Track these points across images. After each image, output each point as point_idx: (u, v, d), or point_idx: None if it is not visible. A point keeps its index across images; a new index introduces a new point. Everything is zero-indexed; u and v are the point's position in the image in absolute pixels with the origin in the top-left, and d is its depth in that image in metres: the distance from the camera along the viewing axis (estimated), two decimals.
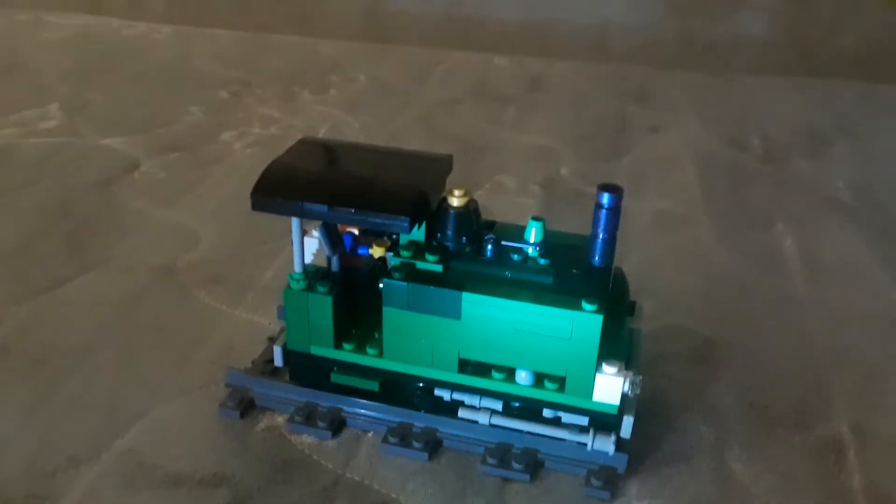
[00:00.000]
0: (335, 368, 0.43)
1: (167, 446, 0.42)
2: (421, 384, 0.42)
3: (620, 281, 0.41)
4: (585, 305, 0.37)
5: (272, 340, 0.46)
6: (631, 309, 0.42)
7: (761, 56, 1.19)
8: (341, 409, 0.44)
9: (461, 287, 0.39)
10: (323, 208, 0.38)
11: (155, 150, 0.77)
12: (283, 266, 0.58)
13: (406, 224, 0.37)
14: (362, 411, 0.43)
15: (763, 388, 0.47)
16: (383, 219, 0.37)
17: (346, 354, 0.42)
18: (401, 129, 0.85)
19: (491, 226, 0.43)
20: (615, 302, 0.40)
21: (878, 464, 0.42)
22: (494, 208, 0.69)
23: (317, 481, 0.40)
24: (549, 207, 0.69)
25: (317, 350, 0.42)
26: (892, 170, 0.80)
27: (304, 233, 0.42)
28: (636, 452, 0.41)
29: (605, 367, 0.39)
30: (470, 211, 0.41)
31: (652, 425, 0.44)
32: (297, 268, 0.41)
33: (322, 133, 0.83)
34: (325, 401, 0.44)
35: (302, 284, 0.41)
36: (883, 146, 0.85)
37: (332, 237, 0.42)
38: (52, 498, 0.39)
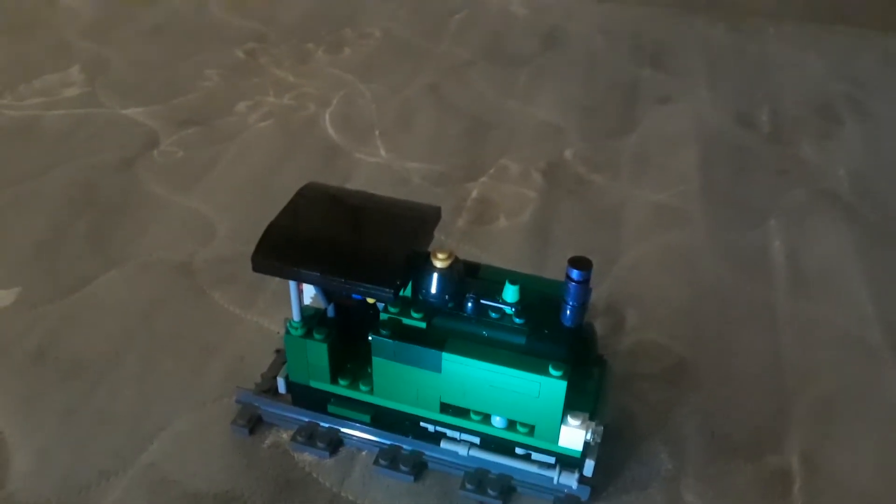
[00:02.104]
0: (332, 400, 0.47)
1: (184, 462, 0.48)
2: (408, 421, 0.47)
3: (589, 334, 0.45)
4: (552, 371, 0.41)
5: (279, 353, 0.51)
6: (598, 360, 0.46)
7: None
8: (338, 430, 0.49)
9: (441, 346, 0.43)
10: (316, 275, 0.42)
11: (173, 124, 0.80)
12: None
13: (391, 296, 0.41)
14: (357, 434, 0.48)
15: (726, 414, 0.51)
16: (369, 289, 0.41)
17: (342, 389, 0.47)
18: (410, 101, 0.86)
19: (475, 270, 0.46)
20: (583, 357, 0.44)
21: (821, 498, 0.47)
22: (497, 198, 0.72)
23: (315, 501, 0.46)
24: (551, 197, 0.71)
25: (315, 384, 0.47)
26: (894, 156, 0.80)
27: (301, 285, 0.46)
28: (600, 477, 0.46)
29: (569, 419, 0.43)
30: (453, 272, 0.44)
31: (618, 450, 0.49)
32: (296, 317, 0.45)
33: (335, 103, 0.85)
34: (324, 422, 0.49)
35: (300, 332, 0.45)
36: (893, 124, 0.85)
37: (326, 291, 0.45)
38: None
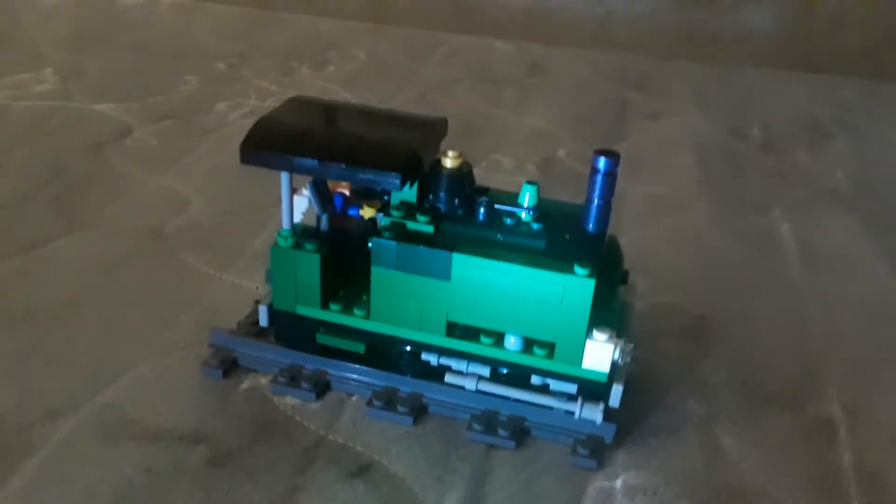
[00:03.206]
0: (321, 329, 0.42)
1: (147, 403, 0.41)
2: (408, 347, 0.41)
3: (614, 249, 0.41)
4: (578, 270, 0.37)
5: (259, 303, 0.46)
6: (624, 278, 0.42)
7: (763, 50, 1.19)
8: (326, 372, 0.43)
9: (452, 248, 0.38)
10: (313, 163, 0.37)
11: (148, 118, 0.77)
12: (273, 234, 0.57)
13: (397, 181, 0.36)
14: (347, 374, 0.43)
15: (755, 366, 0.47)
16: (374, 175, 0.37)
17: (333, 315, 0.41)
18: (398, 107, 0.84)
19: (485, 191, 0.42)
20: (608, 269, 0.39)
21: (869, 444, 0.42)
22: (490, 185, 0.68)
23: (298, 442, 0.40)
24: (546, 187, 0.68)
25: (303, 310, 0.42)
26: (892, 163, 0.79)
27: (293, 191, 0.41)
28: (624, 424, 0.41)
29: (595, 333, 0.38)
30: (463, 173, 0.40)
31: (641, 399, 0.43)
32: (286, 225, 0.40)
33: None
34: (310, 363, 0.43)
35: (290, 242, 0.40)
36: (885, 140, 0.85)
37: (322, 195, 0.41)
38: (28, 450, 0.38)
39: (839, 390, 0.46)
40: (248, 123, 0.40)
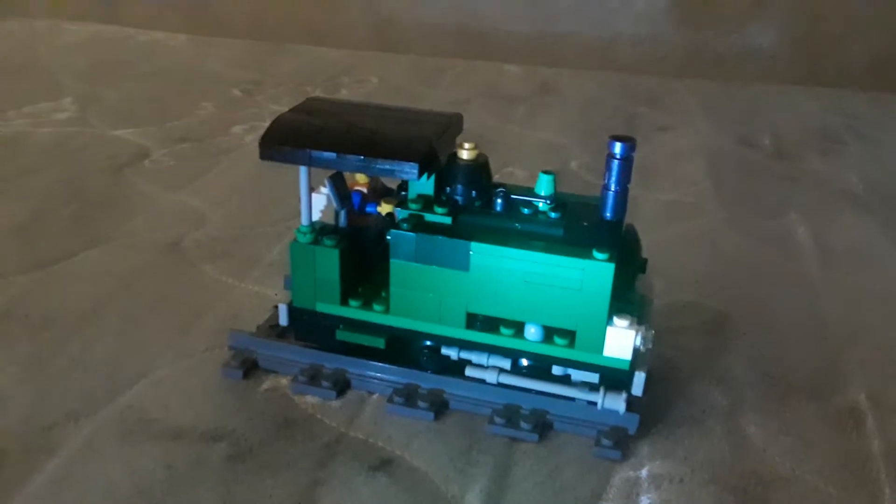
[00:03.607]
0: (341, 326, 0.42)
1: (167, 403, 0.41)
2: (428, 342, 0.41)
3: (633, 236, 0.41)
4: (597, 254, 0.37)
5: (277, 308, 0.46)
6: (643, 266, 0.42)
7: (770, 68, 1.19)
8: (346, 371, 0.43)
9: (470, 237, 0.38)
10: (331, 156, 0.38)
11: (165, 141, 0.78)
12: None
13: (414, 170, 0.37)
14: (368, 372, 0.42)
15: (777, 359, 0.46)
16: (391, 165, 0.37)
17: (353, 311, 0.41)
18: None
19: (502, 185, 0.42)
20: (627, 256, 0.39)
21: None
22: None
23: (319, 438, 0.39)
24: None
25: (322, 307, 0.42)
26: None
27: (311, 189, 0.42)
28: (647, 417, 0.40)
29: (616, 320, 0.38)
30: (479, 164, 0.40)
31: (663, 392, 0.43)
32: (304, 221, 0.41)
33: None
34: (330, 362, 0.43)
35: (309, 238, 0.41)
36: None
37: (340, 191, 0.41)
38: (49, 449, 0.38)
39: (863, 380, 0.45)
40: None
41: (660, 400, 0.42)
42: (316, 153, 0.38)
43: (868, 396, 0.44)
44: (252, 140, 0.79)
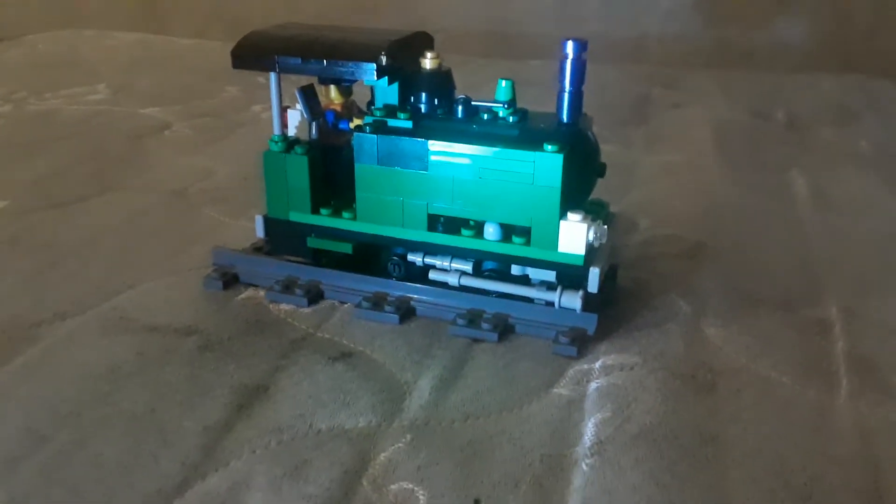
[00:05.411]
0: (312, 234, 0.44)
1: (150, 307, 0.43)
2: (398, 251, 0.42)
3: (590, 140, 0.41)
4: (547, 147, 0.38)
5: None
6: (601, 171, 0.42)
7: (800, 63, 1.18)
8: (320, 282, 0.44)
9: (428, 137, 0.39)
10: (296, 61, 0.40)
11: (187, 116, 0.81)
12: None
13: (373, 71, 0.38)
14: (339, 283, 0.44)
15: (750, 278, 0.46)
16: (352, 66, 0.39)
17: (323, 219, 0.43)
18: None
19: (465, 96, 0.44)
20: (582, 155, 0.40)
21: (864, 336, 0.40)
22: None
23: (287, 336, 0.41)
24: None
25: (295, 216, 0.44)
26: None
27: (287, 107, 0.44)
28: (609, 325, 0.41)
29: (569, 214, 0.38)
30: (442, 73, 0.42)
31: (629, 305, 0.43)
32: (276, 130, 0.43)
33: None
34: (304, 274, 0.45)
35: (280, 146, 0.43)
36: None
37: (311, 103, 0.43)
38: (34, 340, 0.40)
39: (838, 296, 0.44)
40: None
41: (624, 312, 0.43)
42: (282, 58, 0.40)
43: (840, 309, 0.43)
44: (269, 117, 0.82)
